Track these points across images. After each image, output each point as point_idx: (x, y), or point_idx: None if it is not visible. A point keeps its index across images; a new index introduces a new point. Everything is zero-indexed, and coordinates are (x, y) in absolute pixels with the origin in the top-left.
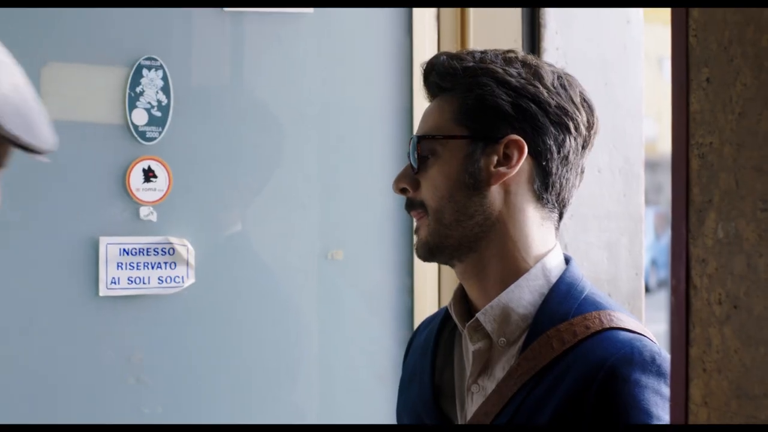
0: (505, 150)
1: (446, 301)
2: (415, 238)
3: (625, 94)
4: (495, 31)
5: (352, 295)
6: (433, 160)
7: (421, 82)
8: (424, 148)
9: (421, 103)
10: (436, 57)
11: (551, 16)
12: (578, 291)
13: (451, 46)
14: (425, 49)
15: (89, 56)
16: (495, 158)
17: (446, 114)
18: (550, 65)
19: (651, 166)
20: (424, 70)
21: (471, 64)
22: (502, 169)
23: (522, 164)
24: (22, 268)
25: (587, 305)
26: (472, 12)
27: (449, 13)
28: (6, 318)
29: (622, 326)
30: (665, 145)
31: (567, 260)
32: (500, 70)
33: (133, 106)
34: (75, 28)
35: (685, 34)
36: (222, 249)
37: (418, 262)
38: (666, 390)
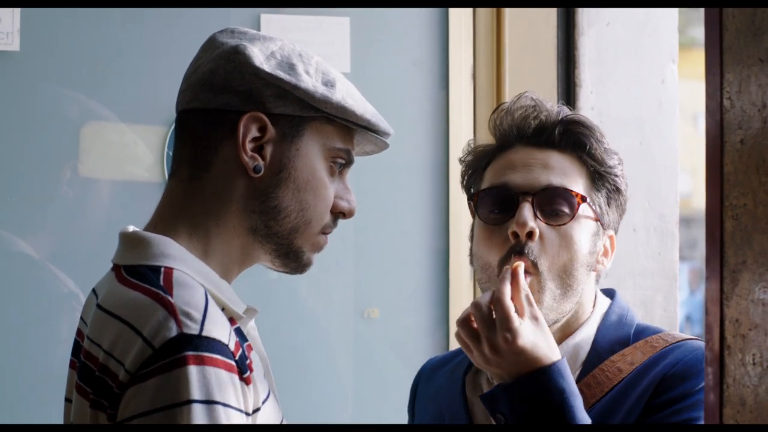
0: (606, 242)
1: None
2: None
3: (661, 153)
4: (531, 90)
5: (387, 353)
6: (570, 221)
7: (507, 124)
8: (568, 203)
9: (457, 158)
10: (574, 120)
11: (586, 74)
12: (629, 321)
13: (486, 104)
14: (461, 105)
15: (127, 115)
16: (603, 248)
17: (580, 187)
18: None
19: (686, 221)
20: (566, 122)
21: (616, 161)
22: (606, 260)
23: None
24: None
25: (645, 331)
26: (508, 70)
27: (485, 71)
28: None
29: (689, 338)
30: (701, 201)
31: (611, 292)
32: (620, 173)
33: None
34: (113, 88)
35: (720, 96)
36: (257, 303)
37: (453, 320)
38: None
